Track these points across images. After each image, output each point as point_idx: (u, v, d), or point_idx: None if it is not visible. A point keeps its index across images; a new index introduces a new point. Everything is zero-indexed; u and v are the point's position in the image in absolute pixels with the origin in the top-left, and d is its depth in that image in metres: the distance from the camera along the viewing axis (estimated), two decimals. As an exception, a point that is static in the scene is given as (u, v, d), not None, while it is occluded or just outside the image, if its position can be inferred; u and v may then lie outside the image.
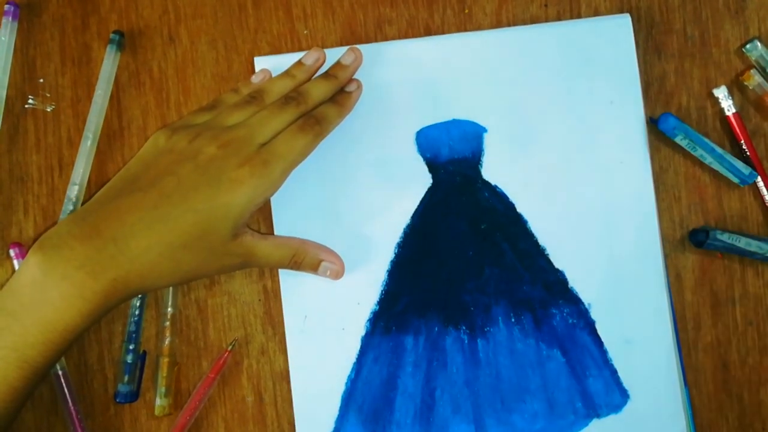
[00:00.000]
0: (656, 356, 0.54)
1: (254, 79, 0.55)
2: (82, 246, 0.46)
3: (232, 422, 0.55)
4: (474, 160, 0.55)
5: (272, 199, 0.54)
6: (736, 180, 0.55)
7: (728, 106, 0.55)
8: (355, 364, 0.54)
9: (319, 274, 0.53)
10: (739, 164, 0.54)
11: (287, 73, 0.54)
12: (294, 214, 0.55)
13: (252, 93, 0.53)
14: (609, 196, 0.55)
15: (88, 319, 0.47)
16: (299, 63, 0.55)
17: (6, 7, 0.55)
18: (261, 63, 0.56)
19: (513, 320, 0.55)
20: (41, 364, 0.46)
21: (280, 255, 0.52)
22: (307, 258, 0.53)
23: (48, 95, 0.57)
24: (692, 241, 0.55)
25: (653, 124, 0.55)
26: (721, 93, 0.55)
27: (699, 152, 0.54)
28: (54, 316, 0.46)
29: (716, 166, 0.54)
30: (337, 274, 0.53)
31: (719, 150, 0.54)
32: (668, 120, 0.54)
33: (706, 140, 0.54)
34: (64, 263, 0.46)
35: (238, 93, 0.54)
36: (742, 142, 0.55)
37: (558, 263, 0.55)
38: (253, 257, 0.51)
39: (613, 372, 0.54)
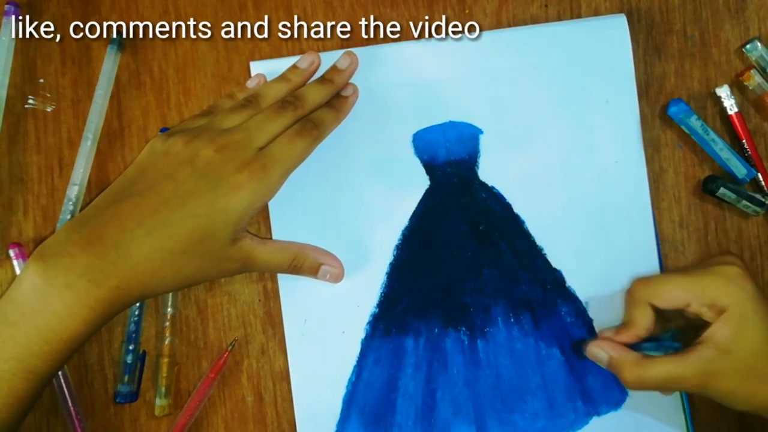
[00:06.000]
0: (654, 353, 0.54)
1: (249, 83, 0.55)
2: (84, 253, 0.46)
3: (232, 422, 0.56)
4: (471, 161, 0.55)
5: (270, 203, 0.54)
6: (738, 174, 0.54)
7: (731, 105, 0.55)
8: (355, 366, 0.55)
9: (319, 278, 0.53)
10: (742, 161, 0.55)
11: (283, 77, 0.54)
12: (292, 217, 0.55)
13: (248, 97, 0.53)
14: (605, 195, 0.55)
15: (92, 326, 0.47)
16: (294, 67, 0.54)
17: (6, 7, 0.55)
18: (256, 68, 0.56)
19: (512, 320, 0.55)
20: (46, 373, 0.46)
21: (280, 259, 0.52)
22: (306, 262, 0.52)
23: (48, 95, 0.57)
24: (705, 190, 0.55)
25: (665, 111, 0.55)
26: (723, 92, 0.55)
27: (711, 136, 0.54)
28: (58, 326, 0.46)
29: (725, 154, 0.54)
30: (337, 278, 0.53)
31: (724, 142, 0.55)
32: (681, 103, 0.54)
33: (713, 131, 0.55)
34: (65, 271, 0.46)
35: (233, 98, 0.54)
36: (744, 141, 0.55)
37: (555, 263, 0.55)
38: (252, 262, 0.51)
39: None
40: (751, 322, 0.46)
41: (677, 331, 0.51)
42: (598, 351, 0.50)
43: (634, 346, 0.50)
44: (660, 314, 0.50)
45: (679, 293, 0.48)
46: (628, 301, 0.51)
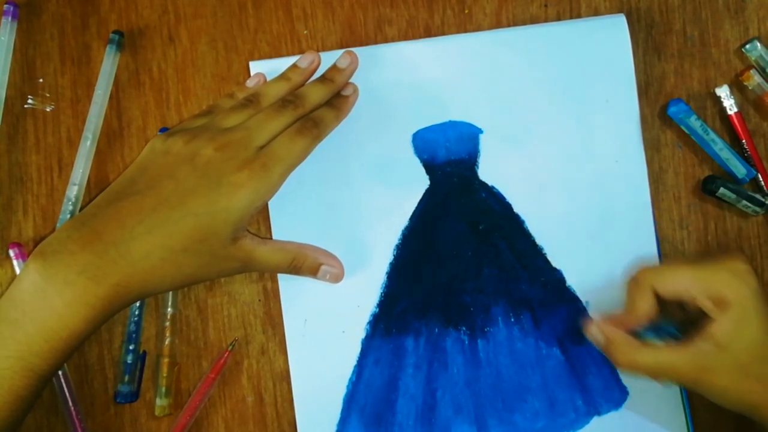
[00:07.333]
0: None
1: (249, 83, 0.55)
2: (83, 251, 0.46)
3: (232, 422, 0.56)
4: (470, 161, 0.55)
5: (270, 203, 0.54)
6: (738, 174, 0.55)
7: (730, 105, 0.55)
8: (356, 366, 0.55)
9: (319, 278, 0.53)
10: (741, 161, 0.55)
11: (282, 76, 0.54)
12: (292, 217, 0.55)
13: (248, 96, 0.53)
14: (605, 194, 0.55)
15: (92, 324, 0.47)
16: (294, 66, 0.54)
17: (5, 6, 0.55)
18: (256, 67, 0.56)
19: (512, 320, 0.55)
20: (46, 372, 0.46)
21: (280, 259, 0.52)
22: (306, 262, 0.52)
23: (48, 95, 0.57)
24: (705, 190, 0.55)
25: (665, 111, 0.55)
26: (723, 92, 0.55)
27: (711, 136, 0.54)
28: (58, 324, 0.45)
29: (725, 154, 0.54)
30: (337, 278, 0.53)
31: (724, 142, 0.55)
32: (680, 103, 0.54)
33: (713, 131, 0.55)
34: (65, 269, 0.46)
35: (233, 97, 0.54)
36: (744, 141, 0.55)
37: (555, 262, 0.55)
38: (252, 261, 0.51)
39: (612, 369, 0.55)
40: (752, 320, 0.46)
41: (678, 324, 0.51)
42: (595, 331, 0.50)
43: (633, 333, 0.49)
44: (662, 307, 0.49)
45: (684, 281, 0.47)
46: (631, 286, 0.50)
